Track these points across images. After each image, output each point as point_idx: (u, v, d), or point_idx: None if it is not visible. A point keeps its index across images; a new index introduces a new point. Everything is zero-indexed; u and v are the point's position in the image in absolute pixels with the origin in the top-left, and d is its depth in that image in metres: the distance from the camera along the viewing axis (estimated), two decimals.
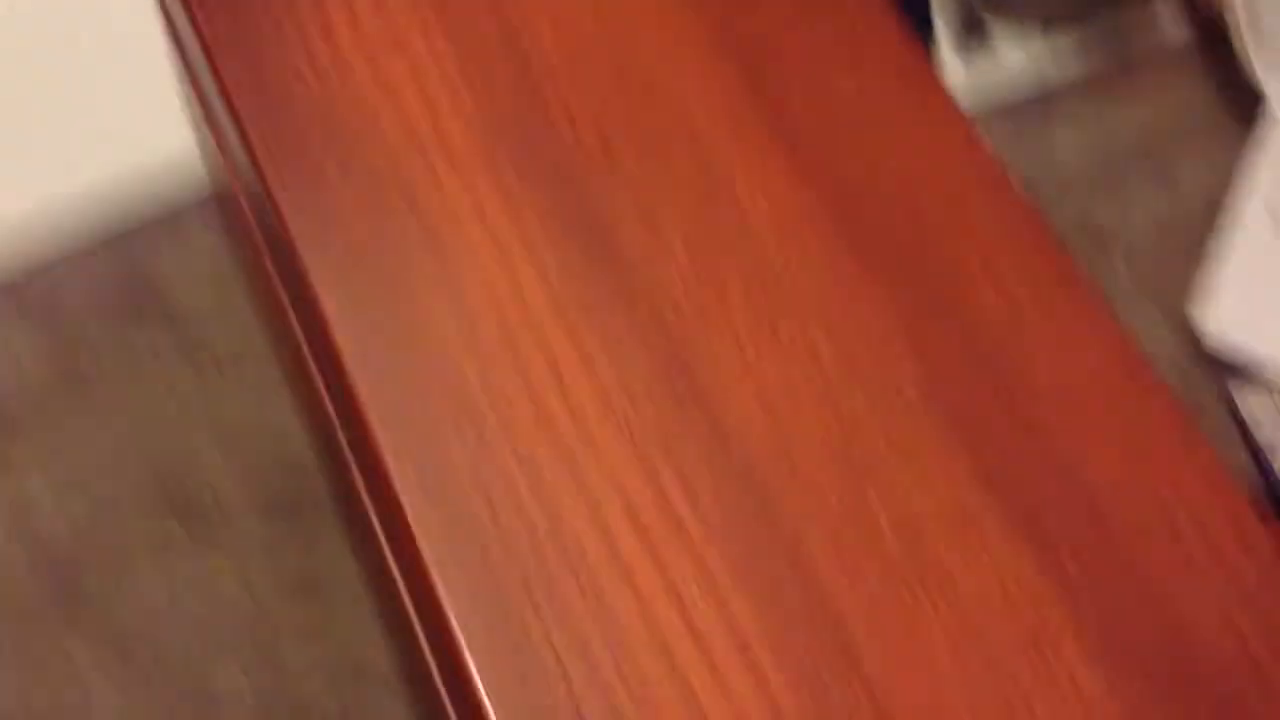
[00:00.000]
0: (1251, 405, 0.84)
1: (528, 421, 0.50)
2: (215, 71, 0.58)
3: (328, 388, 0.59)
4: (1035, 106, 0.94)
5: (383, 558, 0.57)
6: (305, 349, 0.61)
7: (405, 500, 0.49)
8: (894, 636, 0.47)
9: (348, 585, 0.79)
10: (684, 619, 0.47)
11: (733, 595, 0.47)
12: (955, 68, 0.94)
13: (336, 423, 0.59)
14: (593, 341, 0.53)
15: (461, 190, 0.55)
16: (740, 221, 0.55)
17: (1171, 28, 0.97)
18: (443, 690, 0.53)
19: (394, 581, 0.56)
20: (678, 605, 0.47)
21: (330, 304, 0.53)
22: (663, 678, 0.46)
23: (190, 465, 0.81)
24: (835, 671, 0.47)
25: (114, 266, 0.88)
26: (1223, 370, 0.86)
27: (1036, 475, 0.51)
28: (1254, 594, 0.49)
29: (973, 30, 0.94)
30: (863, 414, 0.51)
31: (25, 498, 0.80)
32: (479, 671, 0.46)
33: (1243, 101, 0.93)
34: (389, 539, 0.55)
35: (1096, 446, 0.52)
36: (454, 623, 0.47)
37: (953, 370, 0.53)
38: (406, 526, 0.49)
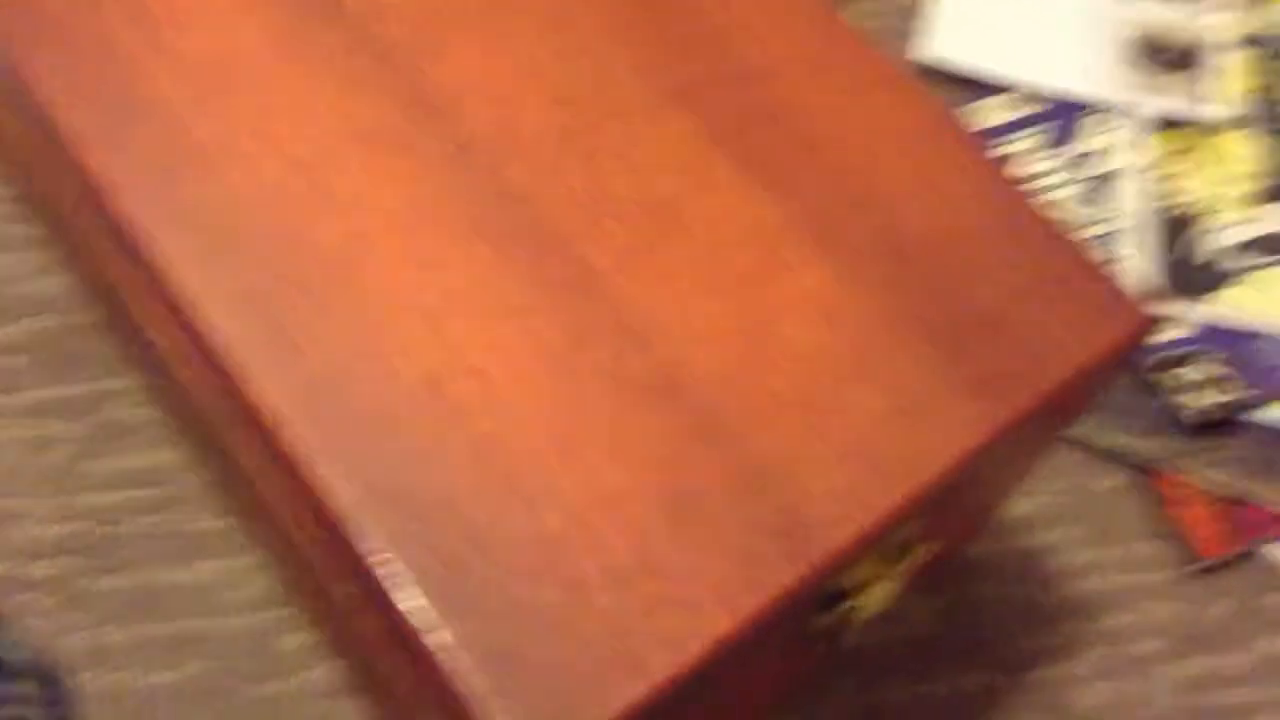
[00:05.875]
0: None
1: (266, 155, 0.51)
2: None
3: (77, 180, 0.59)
4: None
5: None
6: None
7: (159, 243, 0.50)
8: (639, 269, 0.51)
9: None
10: (438, 284, 0.49)
11: (476, 244, 0.50)
12: None
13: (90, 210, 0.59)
14: (325, 79, 0.54)
15: None
16: None
17: None
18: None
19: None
20: (433, 274, 0.49)
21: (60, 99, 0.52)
22: (416, 325, 0.48)
23: None
24: (589, 305, 0.49)
25: None
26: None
27: (759, 124, 0.54)
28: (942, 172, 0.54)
29: None
30: (587, 98, 0.54)
31: None
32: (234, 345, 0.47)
33: None
34: (168, 304, 0.56)
35: (813, 94, 0.55)
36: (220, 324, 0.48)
37: (668, 55, 0.56)
38: (168, 271, 0.49)
